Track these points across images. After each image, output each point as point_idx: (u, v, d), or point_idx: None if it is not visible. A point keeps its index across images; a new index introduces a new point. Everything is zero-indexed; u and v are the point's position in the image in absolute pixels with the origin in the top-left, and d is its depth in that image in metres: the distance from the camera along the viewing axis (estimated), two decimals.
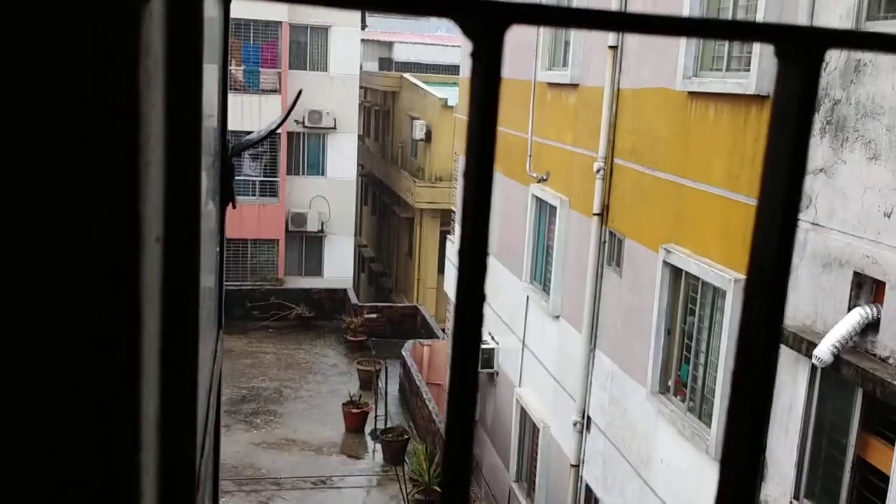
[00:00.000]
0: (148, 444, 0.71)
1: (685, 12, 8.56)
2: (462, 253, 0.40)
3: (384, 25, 43.78)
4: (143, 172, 0.57)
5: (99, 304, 0.56)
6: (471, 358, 0.42)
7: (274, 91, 25.29)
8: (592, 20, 0.43)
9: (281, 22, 25.12)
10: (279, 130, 25.08)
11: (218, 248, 1.94)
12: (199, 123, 0.87)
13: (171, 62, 0.75)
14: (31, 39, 0.51)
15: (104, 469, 0.59)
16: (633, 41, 9.97)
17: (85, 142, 0.53)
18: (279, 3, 0.42)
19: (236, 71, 24.99)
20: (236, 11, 27.29)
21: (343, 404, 17.74)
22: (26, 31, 0.50)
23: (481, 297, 0.41)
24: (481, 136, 0.39)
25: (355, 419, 17.48)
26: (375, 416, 17.34)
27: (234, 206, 1.99)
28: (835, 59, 6.48)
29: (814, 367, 6.54)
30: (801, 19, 6.81)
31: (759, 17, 7.36)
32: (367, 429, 17.51)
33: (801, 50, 0.44)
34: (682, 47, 8.61)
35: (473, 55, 0.39)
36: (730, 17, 8.11)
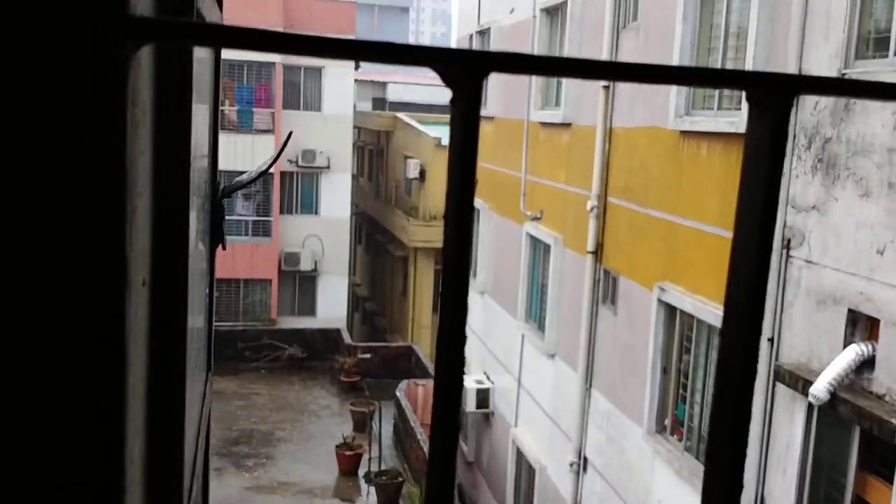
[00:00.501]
0: (133, 490, 0.70)
1: (675, 51, 8.67)
2: (444, 297, 0.40)
3: (378, 66, 44.24)
4: (130, 217, 0.58)
5: (84, 345, 0.56)
6: (453, 401, 0.43)
7: (267, 131, 25.44)
8: (568, 68, 0.44)
9: (274, 63, 25.36)
10: (272, 170, 25.18)
11: (207, 290, 1.93)
12: (187, 169, 0.88)
13: (160, 109, 0.76)
14: (18, 86, 0.52)
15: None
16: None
17: (70, 187, 0.53)
18: (265, 52, 0.44)
19: (230, 111, 25.16)
20: (230, 52, 27.57)
21: (336, 446, 17.56)
22: (13, 77, 0.51)
23: (462, 336, 0.43)
24: (461, 180, 0.40)
25: (349, 462, 17.28)
26: (369, 459, 17.15)
27: (223, 248, 1.97)
28: (824, 97, 6.55)
29: (810, 406, 6.50)
30: (791, 59, 6.90)
31: (749, 56, 7.45)
32: (361, 471, 17.31)
33: (771, 96, 0.46)
34: (674, 86, 8.70)
35: (452, 102, 0.41)
36: (720, 56, 8.21)
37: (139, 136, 0.64)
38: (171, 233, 0.83)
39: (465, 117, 0.41)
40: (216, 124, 1.97)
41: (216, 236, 1.87)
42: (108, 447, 0.58)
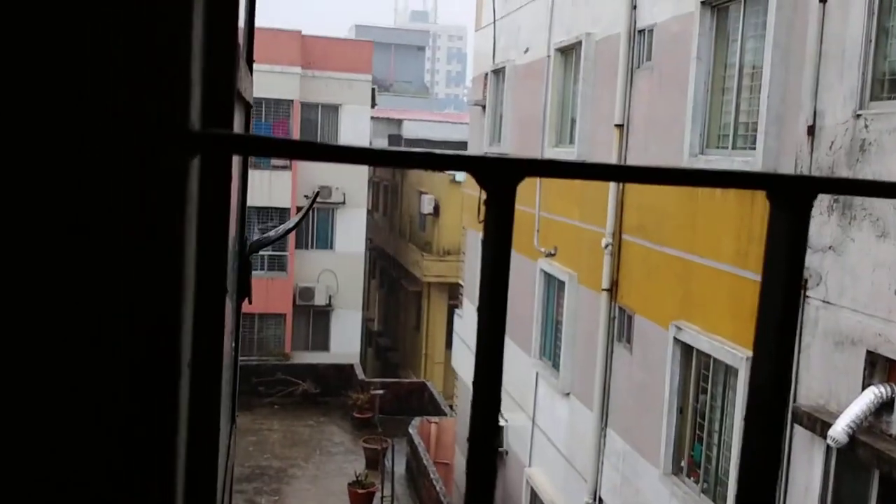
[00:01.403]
0: None
1: (690, 91, 8.70)
2: (476, 394, 0.40)
3: (394, 103, 44.65)
4: (182, 307, 0.63)
5: (138, 434, 0.60)
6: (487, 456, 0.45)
7: (285, 167, 25.65)
8: (600, 173, 0.47)
9: (293, 101, 25.64)
10: (288, 205, 25.34)
11: (234, 344, 1.94)
12: (225, 254, 0.94)
13: (204, 195, 0.82)
14: (95, 198, 0.57)
15: None
16: (639, 119, 10.11)
17: (132, 284, 0.58)
18: (306, 160, 0.47)
19: None
20: None
21: (349, 484, 17.41)
22: (87, 188, 0.57)
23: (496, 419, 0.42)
24: (494, 276, 0.40)
25: (361, 500, 17.12)
26: (382, 497, 17.00)
27: (249, 302, 1.99)
28: (840, 136, 6.55)
29: (829, 448, 6.40)
30: (805, 99, 6.91)
31: (763, 97, 7.47)
32: None
33: (791, 196, 0.47)
34: (689, 125, 8.73)
35: (487, 203, 0.43)
36: (734, 96, 8.24)
37: (190, 231, 0.70)
38: (210, 318, 0.89)
39: (500, 218, 0.43)
40: (245, 176, 1.99)
41: (243, 290, 1.89)
42: None
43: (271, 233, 3.21)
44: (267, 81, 24.90)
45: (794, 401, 6.89)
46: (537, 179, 13.09)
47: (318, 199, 26.32)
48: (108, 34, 0.55)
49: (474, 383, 0.43)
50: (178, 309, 0.60)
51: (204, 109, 0.82)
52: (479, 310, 0.42)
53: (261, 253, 25.98)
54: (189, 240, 0.70)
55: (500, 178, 0.43)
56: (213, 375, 0.92)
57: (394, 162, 0.43)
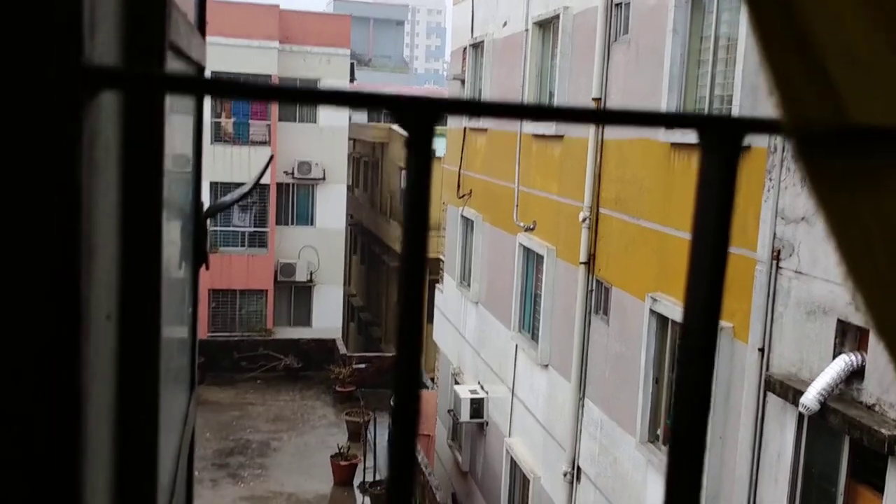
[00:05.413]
0: None
1: (666, 64, 8.74)
2: (400, 332, 0.42)
3: (373, 78, 44.35)
4: (87, 257, 0.58)
5: (36, 383, 0.55)
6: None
7: (263, 143, 25.49)
8: (520, 112, 0.48)
9: (270, 75, 25.43)
10: (268, 181, 25.23)
11: (191, 309, 1.95)
12: (159, 203, 0.89)
13: (129, 143, 0.78)
14: None
15: None
16: (616, 93, 10.14)
17: (18, 236, 0.53)
18: (213, 97, 0.48)
19: (226, 123, 25.20)
20: (226, 66, 27.12)
21: (331, 456, 17.53)
22: None
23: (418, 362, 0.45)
24: (415, 216, 0.43)
25: (344, 472, 17.26)
26: (364, 469, 17.14)
27: (206, 268, 2.00)
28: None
29: (801, 416, 6.53)
30: None
31: (738, 68, 7.52)
32: (356, 481, 17.29)
33: (720, 138, 0.47)
34: (665, 97, 8.77)
35: (407, 144, 0.45)
36: (710, 68, 8.28)
37: (100, 174, 0.64)
38: (142, 267, 0.85)
39: (418, 158, 0.45)
40: (200, 139, 1.99)
41: (199, 256, 1.90)
42: (64, 476, 0.57)
43: (227, 197, 3.22)
44: (244, 56, 24.67)
45: (767, 369, 7.01)
46: (516, 155, 13.13)
47: (299, 175, 26.20)
48: None
49: (396, 347, 0.45)
50: (74, 252, 0.55)
51: (128, 55, 0.79)
52: (401, 257, 0.45)
53: (241, 229, 25.89)
54: (101, 182, 0.64)
55: (418, 116, 0.43)
56: (147, 327, 0.88)
57: (303, 99, 0.44)
